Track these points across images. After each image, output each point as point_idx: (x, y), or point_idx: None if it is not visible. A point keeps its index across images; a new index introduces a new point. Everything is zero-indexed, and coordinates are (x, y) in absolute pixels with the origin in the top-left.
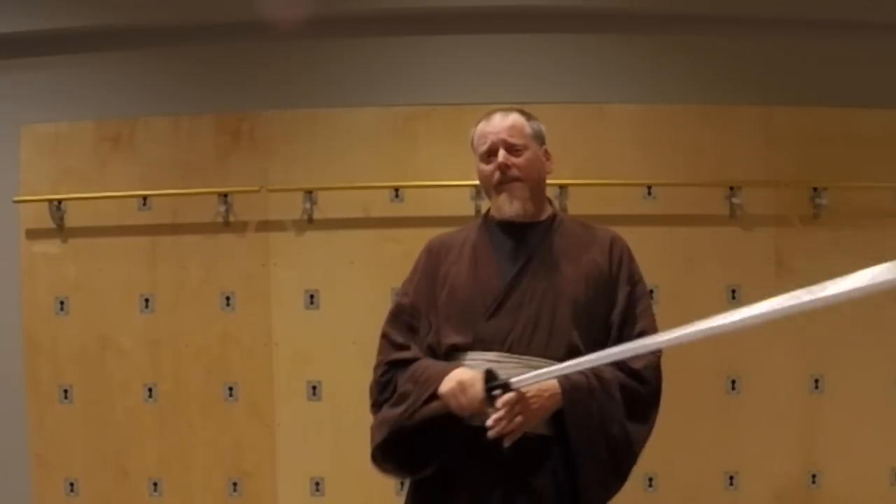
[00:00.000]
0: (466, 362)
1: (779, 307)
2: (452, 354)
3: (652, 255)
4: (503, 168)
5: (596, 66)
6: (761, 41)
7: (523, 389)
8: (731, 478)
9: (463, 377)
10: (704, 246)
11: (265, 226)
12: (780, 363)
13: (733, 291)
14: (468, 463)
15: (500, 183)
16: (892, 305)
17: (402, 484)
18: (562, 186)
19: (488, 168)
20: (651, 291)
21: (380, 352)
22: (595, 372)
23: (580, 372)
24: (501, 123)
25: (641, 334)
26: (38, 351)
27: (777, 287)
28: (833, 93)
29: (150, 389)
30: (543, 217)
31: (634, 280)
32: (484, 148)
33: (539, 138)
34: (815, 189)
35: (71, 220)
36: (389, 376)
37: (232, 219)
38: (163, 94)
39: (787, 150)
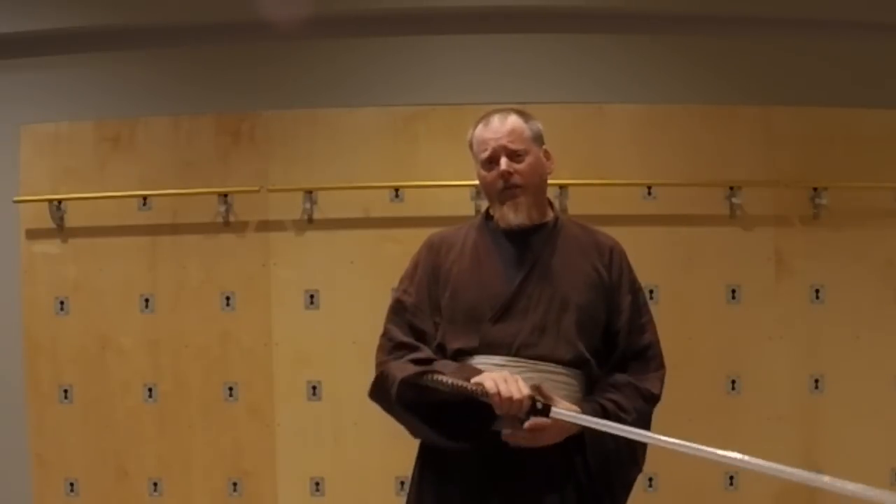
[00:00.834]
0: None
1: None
2: (458, 358)
3: (652, 255)
4: (506, 176)
5: (596, 66)
6: (761, 41)
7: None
8: (731, 478)
9: (508, 374)
10: (704, 246)
11: (265, 226)
12: (780, 363)
13: (733, 291)
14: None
15: (503, 191)
16: (893, 305)
17: (402, 484)
18: (562, 186)
19: (490, 175)
20: (651, 291)
21: (380, 349)
22: (618, 407)
23: (601, 401)
24: (501, 128)
25: (649, 346)
26: (38, 351)
27: (777, 287)
28: (833, 93)
29: (150, 389)
30: (546, 220)
31: (635, 288)
32: (485, 155)
33: (538, 139)
34: (815, 189)
35: (71, 220)
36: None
37: (232, 219)
38: (163, 94)
39: (787, 150)
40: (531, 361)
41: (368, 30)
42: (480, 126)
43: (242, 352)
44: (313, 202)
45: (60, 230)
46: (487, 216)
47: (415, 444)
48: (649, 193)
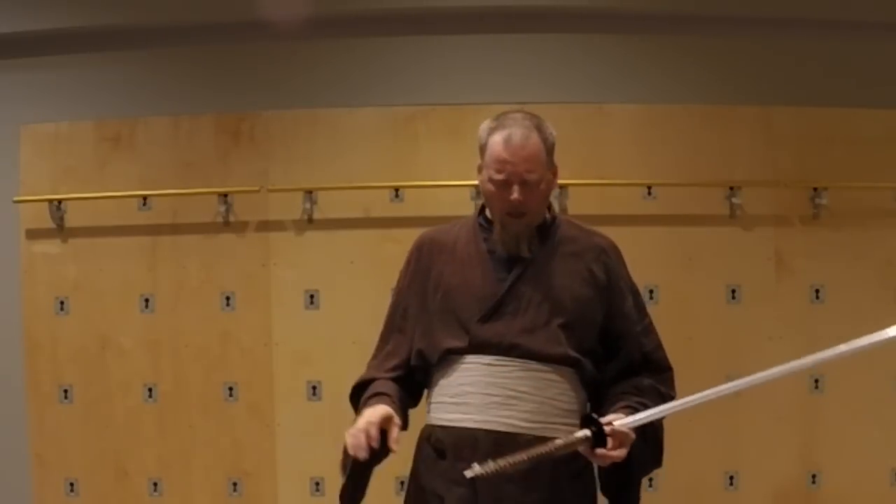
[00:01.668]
0: (464, 365)
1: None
2: (448, 358)
3: (652, 255)
4: (516, 205)
5: (596, 66)
6: (761, 41)
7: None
8: (731, 478)
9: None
10: (704, 246)
11: (265, 226)
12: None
13: (733, 291)
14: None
15: (508, 216)
16: (893, 305)
17: (401, 484)
18: (562, 186)
19: (499, 195)
20: (651, 291)
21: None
22: (646, 407)
23: (633, 405)
24: (521, 152)
25: (657, 347)
26: (38, 351)
27: (777, 287)
28: (833, 93)
29: (150, 389)
30: (542, 220)
31: (634, 290)
32: (499, 177)
33: (551, 153)
34: (815, 189)
35: (71, 220)
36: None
37: (232, 219)
38: (163, 94)
39: (787, 150)
40: (521, 360)
41: (368, 30)
42: (499, 139)
43: (242, 352)
44: (313, 202)
45: (60, 230)
46: (482, 213)
47: (414, 444)
48: (649, 193)
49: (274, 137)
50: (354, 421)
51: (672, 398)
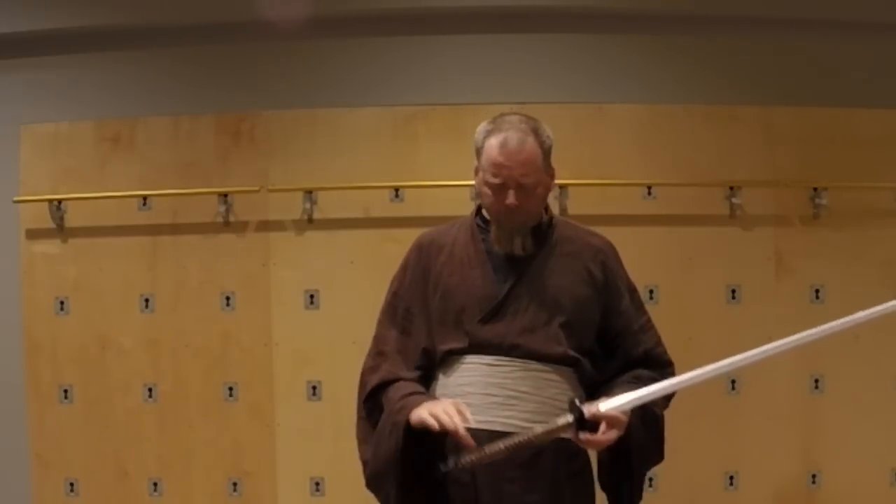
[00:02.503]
0: (464, 366)
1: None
2: (449, 358)
3: (652, 255)
4: (512, 208)
5: (596, 66)
6: (761, 41)
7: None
8: (731, 478)
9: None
10: (704, 246)
11: (265, 226)
12: (780, 363)
13: (733, 291)
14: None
15: (503, 217)
16: None
17: None
18: (562, 186)
19: (495, 198)
20: (651, 291)
21: (370, 353)
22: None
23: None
24: (517, 156)
25: (657, 343)
26: (38, 351)
27: (777, 287)
28: (833, 93)
29: (150, 389)
30: (539, 221)
31: (631, 288)
32: (495, 181)
33: (548, 156)
34: (815, 189)
35: (71, 220)
36: (370, 406)
37: (232, 219)
38: (163, 94)
39: (787, 150)
40: (521, 360)
41: (368, 30)
42: (495, 143)
43: (242, 352)
44: (313, 202)
45: (60, 230)
46: (479, 213)
47: None
48: (649, 193)
49: (274, 137)
50: (394, 415)
51: (672, 393)
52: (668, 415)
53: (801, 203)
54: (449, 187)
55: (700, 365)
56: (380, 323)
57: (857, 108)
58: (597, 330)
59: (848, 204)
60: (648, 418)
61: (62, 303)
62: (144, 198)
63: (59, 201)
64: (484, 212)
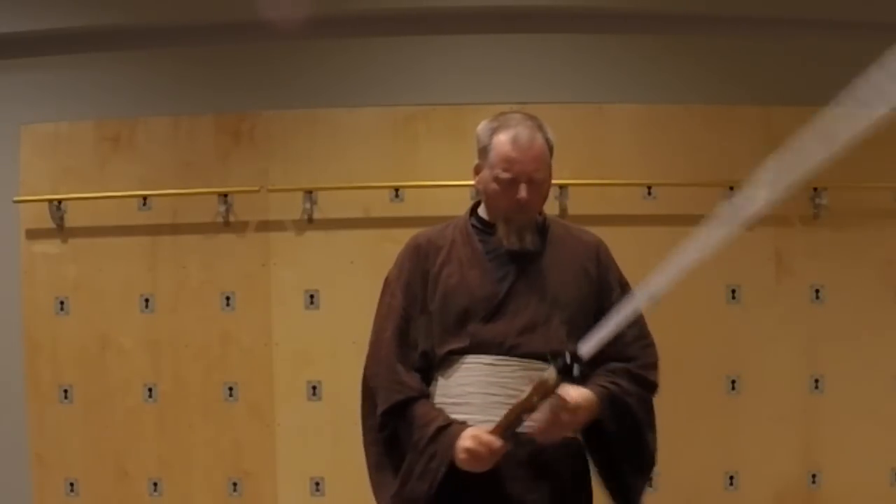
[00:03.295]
0: (465, 366)
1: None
2: (449, 359)
3: (652, 255)
4: (522, 204)
5: (596, 66)
6: (761, 41)
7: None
8: (731, 478)
9: (470, 444)
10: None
11: (265, 226)
12: (780, 363)
13: (733, 291)
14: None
15: (512, 213)
16: (893, 305)
17: None
18: (562, 186)
19: (504, 194)
20: None
21: (369, 356)
22: (622, 390)
23: (603, 384)
24: (529, 152)
25: (640, 337)
26: (38, 351)
27: (777, 287)
28: (833, 93)
29: (150, 389)
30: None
31: (623, 283)
32: (507, 176)
33: (552, 155)
34: (815, 189)
35: (71, 220)
36: (389, 431)
37: (232, 219)
38: (163, 94)
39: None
40: (521, 360)
41: (368, 30)
42: (506, 139)
43: (242, 352)
44: (313, 202)
45: (60, 230)
46: (475, 212)
47: None
48: (649, 193)
49: (274, 137)
50: (430, 445)
51: (650, 382)
52: (668, 415)
53: (801, 203)
54: (449, 187)
55: (700, 364)
56: (376, 325)
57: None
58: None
59: (848, 204)
60: (619, 409)
61: (62, 303)
62: (144, 198)
63: (59, 201)
64: (480, 211)
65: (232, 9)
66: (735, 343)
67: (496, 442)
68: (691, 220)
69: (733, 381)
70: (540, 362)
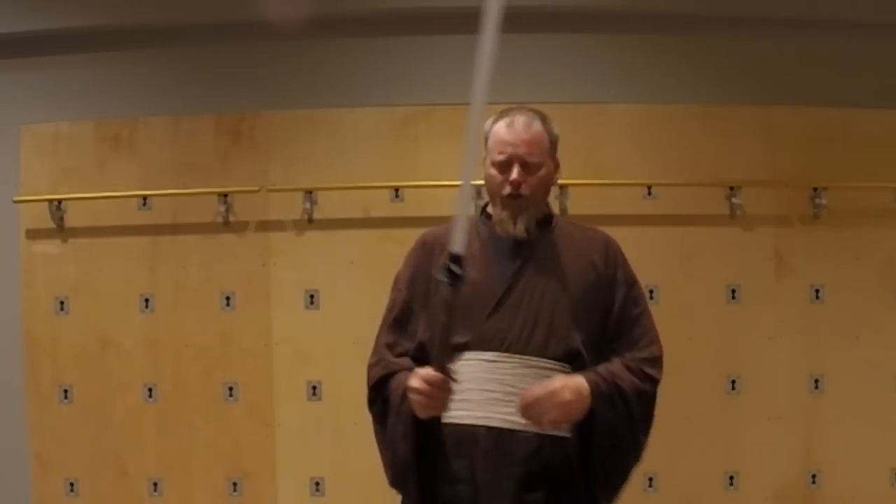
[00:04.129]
0: (464, 361)
1: None
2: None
3: (652, 255)
4: (515, 185)
5: (596, 66)
6: (761, 41)
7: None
8: (731, 478)
9: (413, 383)
10: (704, 246)
11: (265, 226)
12: (780, 363)
13: (733, 291)
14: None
15: (508, 197)
16: (893, 305)
17: None
18: (562, 186)
19: (499, 178)
20: (651, 291)
21: (373, 351)
22: (616, 381)
23: (602, 379)
24: (523, 134)
25: (643, 335)
26: (38, 351)
27: (777, 287)
28: (833, 93)
29: (150, 389)
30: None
31: (631, 281)
32: (500, 158)
33: (555, 147)
34: (815, 189)
35: (71, 220)
36: (378, 407)
37: (232, 219)
38: (163, 94)
39: (787, 150)
40: (522, 356)
41: (368, 30)
42: (502, 124)
43: (242, 352)
44: (313, 202)
45: (60, 230)
46: (484, 212)
47: None
48: (649, 193)
49: (274, 137)
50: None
51: (646, 375)
52: (668, 415)
53: (801, 203)
54: (449, 187)
55: (700, 364)
56: (383, 320)
57: (857, 109)
58: (597, 323)
59: (848, 204)
60: (618, 402)
61: (62, 303)
62: (144, 198)
63: (59, 201)
64: (488, 209)
65: (232, 9)
66: (735, 343)
67: (431, 372)
68: (691, 220)
69: (733, 381)
70: (541, 359)
